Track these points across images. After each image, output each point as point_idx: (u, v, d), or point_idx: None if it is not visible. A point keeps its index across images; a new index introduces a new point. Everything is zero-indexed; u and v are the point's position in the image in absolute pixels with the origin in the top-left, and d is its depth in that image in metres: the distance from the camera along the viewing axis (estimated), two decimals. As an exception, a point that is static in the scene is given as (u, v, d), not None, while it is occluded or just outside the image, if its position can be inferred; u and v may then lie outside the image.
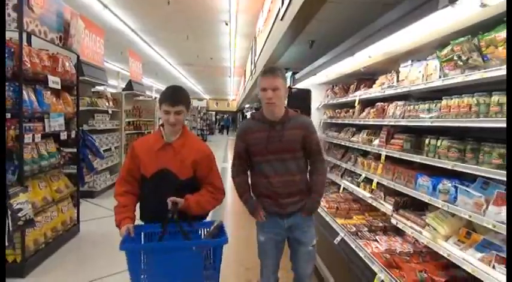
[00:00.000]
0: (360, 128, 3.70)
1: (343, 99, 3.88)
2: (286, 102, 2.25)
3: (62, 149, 4.18)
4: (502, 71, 1.58)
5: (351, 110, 3.85)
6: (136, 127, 8.97)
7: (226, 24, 9.93)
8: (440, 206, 2.06)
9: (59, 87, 3.81)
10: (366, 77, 3.68)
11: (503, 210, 1.63)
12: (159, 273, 1.87)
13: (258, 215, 2.29)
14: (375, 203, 2.93)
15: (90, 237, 4.46)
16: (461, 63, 1.88)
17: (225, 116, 36.85)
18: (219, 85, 27.41)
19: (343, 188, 3.76)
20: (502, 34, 1.61)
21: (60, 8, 3.90)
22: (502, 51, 1.63)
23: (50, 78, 3.60)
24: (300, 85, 4.88)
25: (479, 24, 1.81)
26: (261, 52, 8.39)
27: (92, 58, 6.14)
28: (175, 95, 2.09)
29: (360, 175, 3.30)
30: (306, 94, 4.81)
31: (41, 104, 3.49)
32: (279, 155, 2.21)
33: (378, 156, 3.01)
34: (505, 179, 1.59)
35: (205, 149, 2.21)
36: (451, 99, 2.05)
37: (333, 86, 4.45)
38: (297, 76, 4.94)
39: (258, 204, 2.30)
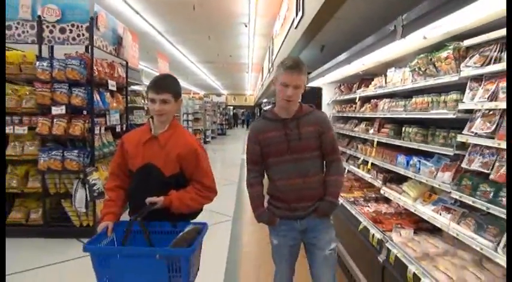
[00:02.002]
0: (360, 120, 4.43)
1: (348, 96, 4.63)
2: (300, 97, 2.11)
3: (115, 139, 5.09)
4: (445, 79, 2.33)
5: (353, 105, 4.59)
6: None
7: (246, 25, 10.67)
8: (410, 176, 2.82)
9: (115, 89, 4.71)
10: (367, 77, 4.32)
11: (446, 174, 2.39)
12: (121, 279, 1.74)
13: (273, 223, 2.17)
14: (370, 180, 3.70)
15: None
16: (421, 73, 2.64)
17: (243, 111, 37.95)
18: (237, 81, 28.18)
19: (348, 170, 4.53)
20: (443, 54, 2.36)
21: (115, 25, 4.80)
22: (444, 66, 2.38)
23: (110, 82, 4.50)
24: (313, 83, 5.66)
25: (437, 44, 2.55)
26: (277, 53, 9.14)
27: (131, 61, 7.01)
28: (161, 82, 1.96)
29: (359, 158, 4.07)
30: (317, 91, 5.62)
31: (103, 103, 4.39)
32: (298, 154, 2.05)
33: (372, 143, 3.77)
34: (445, 153, 2.37)
35: (192, 143, 2.02)
36: (418, 97, 2.81)
37: (340, 85, 5.17)
38: (310, 76, 5.71)
39: (272, 216, 2.15)
